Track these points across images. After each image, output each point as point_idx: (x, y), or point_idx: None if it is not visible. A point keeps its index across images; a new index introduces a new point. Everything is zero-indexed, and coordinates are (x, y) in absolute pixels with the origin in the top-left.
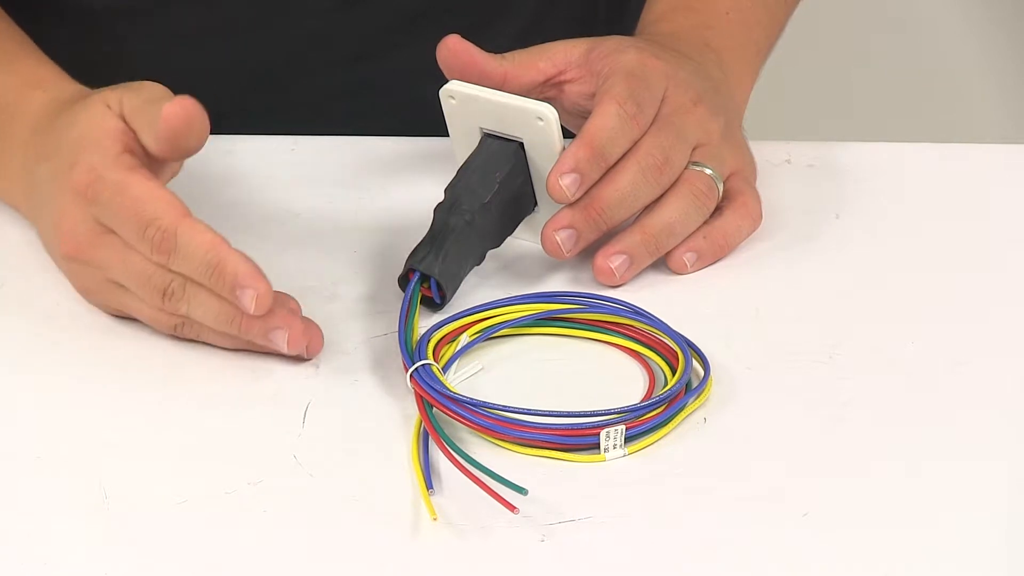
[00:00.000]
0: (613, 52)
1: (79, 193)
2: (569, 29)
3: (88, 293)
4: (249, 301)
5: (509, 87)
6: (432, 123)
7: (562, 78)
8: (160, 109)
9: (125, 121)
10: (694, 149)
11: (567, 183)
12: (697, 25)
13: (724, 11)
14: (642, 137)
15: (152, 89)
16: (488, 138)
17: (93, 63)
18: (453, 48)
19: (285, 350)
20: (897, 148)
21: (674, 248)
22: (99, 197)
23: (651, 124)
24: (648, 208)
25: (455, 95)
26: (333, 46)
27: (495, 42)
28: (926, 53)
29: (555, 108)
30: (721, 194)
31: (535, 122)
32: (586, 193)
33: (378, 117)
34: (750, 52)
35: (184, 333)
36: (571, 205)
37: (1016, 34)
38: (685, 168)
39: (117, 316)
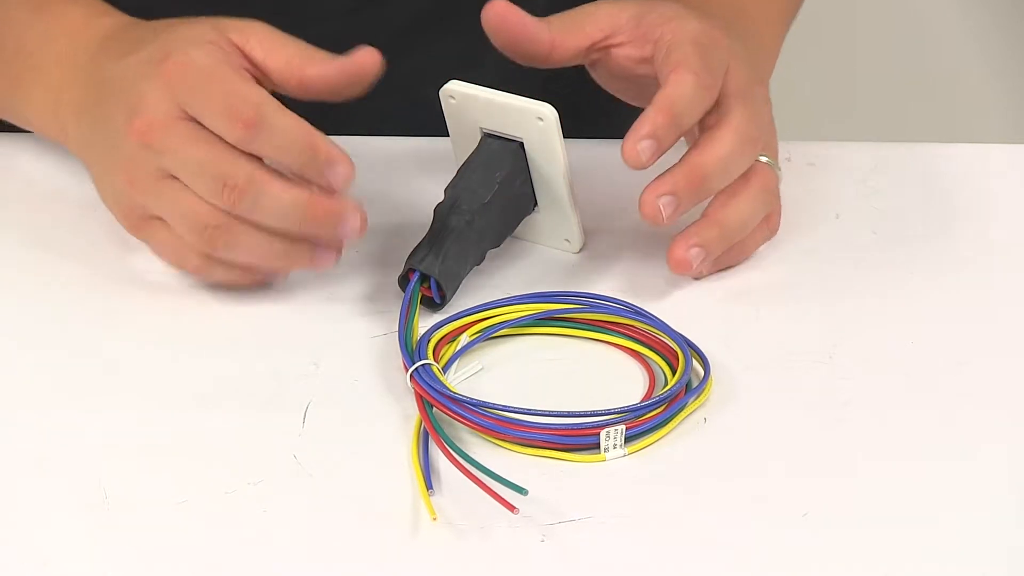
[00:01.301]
0: (673, 19)
1: (169, 77)
2: None
3: (134, 185)
4: (338, 177)
5: (557, 55)
6: (438, 123)
7: (610, 42)
8: (298, 43)
9: (245, 49)
10: None
11: (644, 147)
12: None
13: None
14: (729, 108)
15: (264, 24)
16: (488, 138)
17: None
18: (501, 13)
19: (348, 235)
20: (897, 148)
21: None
22: (187, 79)
23: (728, 97)
24: (722, 202)
25: (455, 95)
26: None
27: None
28: (926, 53)
29: (600, 72)
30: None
31: (535, 122)
32: (685, 160)
33: (391, 119)
34: (782, 24)
35: (213, 239)
36: (672, 171)
37: (1016, 34)
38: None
39: (130, 243)
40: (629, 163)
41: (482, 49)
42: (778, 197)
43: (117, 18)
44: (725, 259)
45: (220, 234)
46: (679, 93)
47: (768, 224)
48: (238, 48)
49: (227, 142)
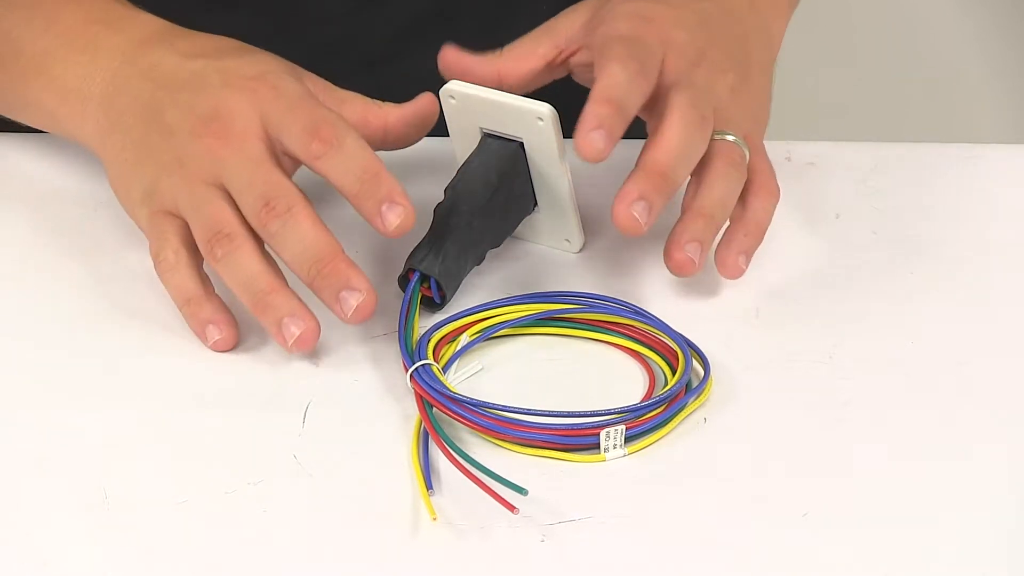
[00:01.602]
0: (607, 19)
1: (258, 97)
2: None
3: (187, 179)
4: (395, 218)
5: (509, 82)
6: (438, 124)
7: (565, 55)
8: (362, 101)
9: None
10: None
11: (595, 138)
12: None
13: None
14: (668, 98)
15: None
16: (488, 138)
17: None
18: (447, 60)
19: (344, 310)
20: (897, 148)
21: (723, 256)
22: (277, 103)
23: (666, 87)
24: (693, 192)
25: (455, 95)
26: (347, 52)
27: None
28: (926, 53)
29: (578, 80)
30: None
31: (535, 122)
32: (641, 164)
33: None
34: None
35: (215, 254)
36: (632, 177)
37: (1016, 34)
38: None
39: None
40: (585, 155)
41: (481, 51)
42: (747, 169)
43: (158, 22)
44: (745, 243)
45: (227, 243)
46: (610, 82)
47: (765, 190)
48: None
49: (282, 169)
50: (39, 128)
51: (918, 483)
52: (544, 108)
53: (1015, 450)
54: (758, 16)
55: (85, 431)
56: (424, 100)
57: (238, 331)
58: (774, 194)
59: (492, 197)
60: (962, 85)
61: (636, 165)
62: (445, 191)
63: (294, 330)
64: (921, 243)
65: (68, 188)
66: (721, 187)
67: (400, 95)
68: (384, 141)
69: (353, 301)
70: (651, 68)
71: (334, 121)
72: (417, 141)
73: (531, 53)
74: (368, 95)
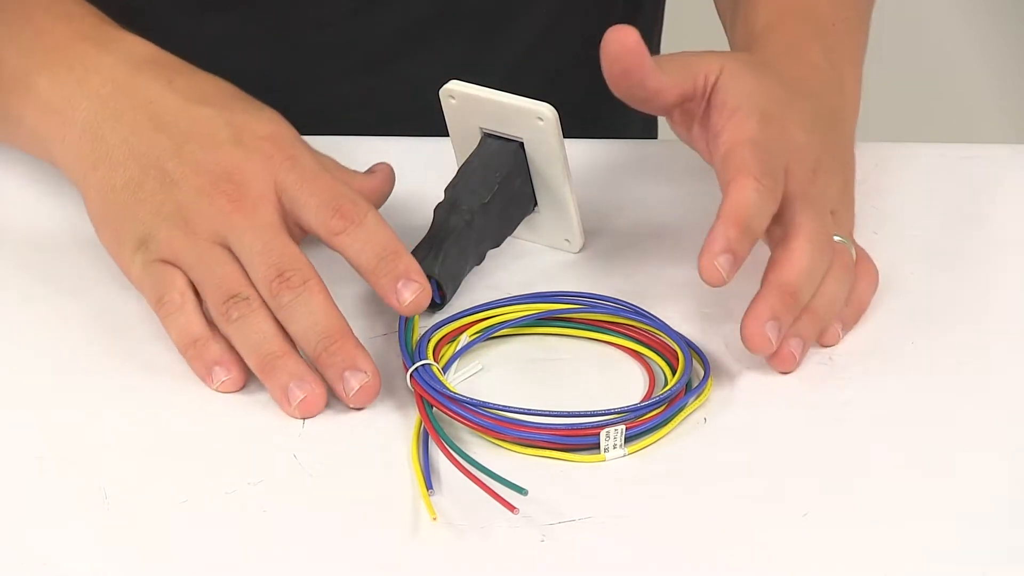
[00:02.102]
0: (735, 112)
1: (273, 162)
2: (583, 33)
3: (190, 233)
4: (410, 294)
5: (660, 102)
6: (438, 126)
7: (687, 102)
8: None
9: None
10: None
11: (722, 263)
12: (811, 35)
13: (830, 21)
14: (795, 215)
15: None
16: (488, 138)
17: None
18: (624, 42)
19: (347, 390)
20: (897, 148)
21: (824, 338)
22: (294, 171)
23: (792, 201)
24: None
25: (455, 95)
26: (346, 54)
27: (506, 46)
28: (926, 53)
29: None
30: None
31: (535, 122)
32: (772, 283)
33: (393, 124)
34: (859, 62)
35: (229, 314)
36: (763, 297)
37: (1016, 34)
38: None
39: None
40: (710, 281)
41: (481, 53)
42: (865, 259)
43: (147, 45)
44: (851, 323)
45: (244, 307)
46: (744, 202)
47: (873, 279)
48: None
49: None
50: (13, 143)
51: (918, 483)
52: (544, 108)
53: (1015, 450)
54: (845, 97)
55: (85, 431)
56: (386, 170)
57: (246, 372)
58: (876, 281)
59: (492, 197)
60: (962, 85)
61: (765, 282)
62: (445, 191)
63: (299, 394)
64: (921, 243)
65: (68, 187)
66: (834, 289)
67: (398, 98)
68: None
69: (356, 383)
70: (780, 183)
71: (354, 198)
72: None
73: (676, 85)
74: (367, 98)
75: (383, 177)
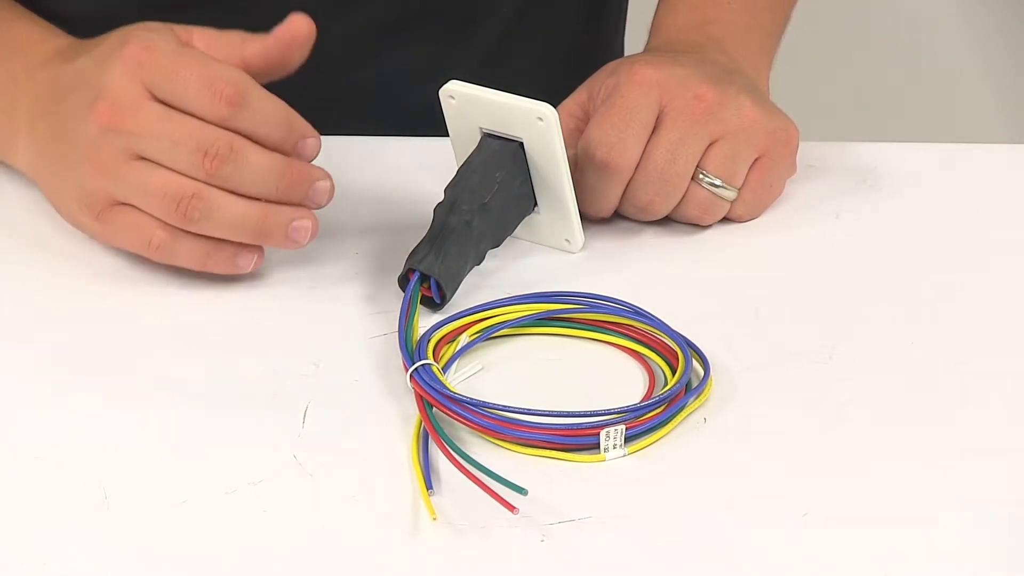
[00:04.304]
0: (604, 89)
1: (131, 60)
2: (552, 28)
3: (100, 173)
4: (309, 148)
5: None
6: (420, 125)
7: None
8: (235, 32)
9: (191, 43)
10: (709, 145)
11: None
12: (696, 22)
13: (726, 2)
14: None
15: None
16: (488, 138)
17: None
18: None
19: (318, 200)
20: (897, 148)
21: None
22: (155, 62)
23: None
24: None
25: (455, 95)
26: (319, 53)
27: (478, 41)
28: (926, 53)
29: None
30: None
31: (535, 122)
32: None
33: (367, 122)
34: (758, 36)
35: (189, 210)
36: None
37: (1016, 34)
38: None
39: (107, 246)
40: None
41: (453, 54)
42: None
43: (69, 37)
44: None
45: (197, 203)
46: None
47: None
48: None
49: (199, 118)
50: None
51: (918, 483)
52: (544, 108)
53: (1015, 450)
54: (732, 59)
55: (85, 431)
56: (288, 24)
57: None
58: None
59: (492, 197)
60: (962, 85)
61: None
62: (445, 191)
63: (304, 224)
64: (921, 243)
65: None
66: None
67: (368, 96)
68: (251, 74)
69: (326, 186)
70: (642, 119)
71: (226, 75)
72: (294, 65)
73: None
74: (335, 99)
75: (273, 41)
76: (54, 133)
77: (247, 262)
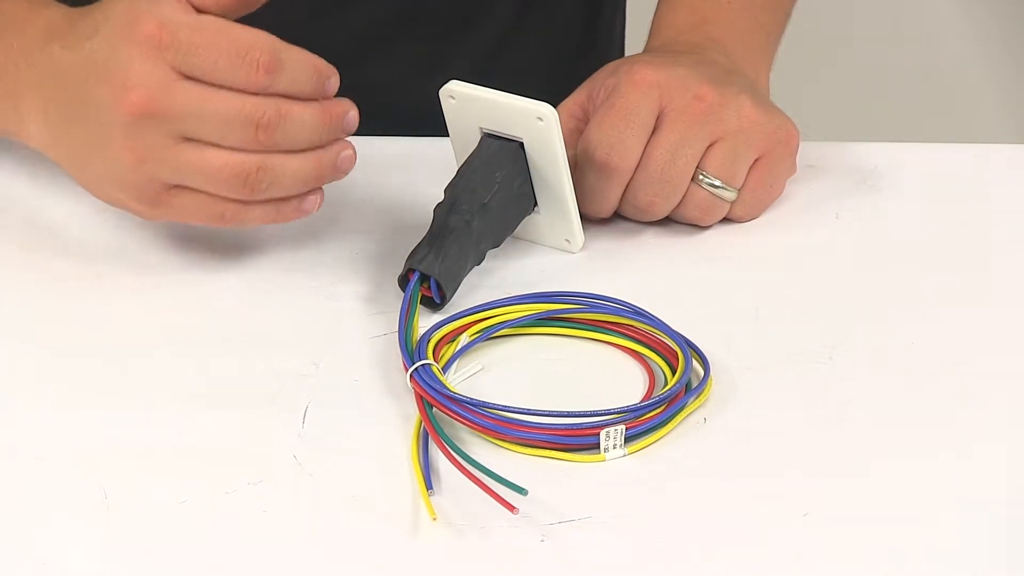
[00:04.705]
0: (603, 89)
1: (150, 41)
2: (552, 28)
3: (144, 164)
4: (334, 85)
5: None
6: (420, 125)
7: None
8: None
9: None
10: (709, 146)
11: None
12: (696, 22)
13: (726, 2)
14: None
15: None
16: (488, 138)
17: None
18: None
19: (352, 125)
20: (897, 148)
21: None
22: (176, 39)
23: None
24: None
25: (455, 95)
26: (319, 53)
27: (478, 41)
28: (926, 53)
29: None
30: (732, 197)
31: (535, 122)
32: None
33: (367, 122)
34: (758, 36)
35: (257, 182)
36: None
37: (1016, 34)
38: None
39: (158, 210)
40: None
41: (445, 54)
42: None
43: (56, 8)
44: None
45: (263, 175)
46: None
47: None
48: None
49: (238, 90)
50: None
51: (918, 483)
52: (544, 108)
53: (1015, 450)
54: (740, 69)
55: (85, 431)
56: None
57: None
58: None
59: (492, 197)
60: (962, 85)
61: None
62: (445, 191)
63: (348, 152)
64: (921, 243)
65: (68, 187)
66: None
67: (363, 100)
68: (225, 11)
69: (354, 115)
70: (643, 120)
71: (255, 42)
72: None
73: None
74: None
75: None
76: (71, 122)
77: (312, 205)
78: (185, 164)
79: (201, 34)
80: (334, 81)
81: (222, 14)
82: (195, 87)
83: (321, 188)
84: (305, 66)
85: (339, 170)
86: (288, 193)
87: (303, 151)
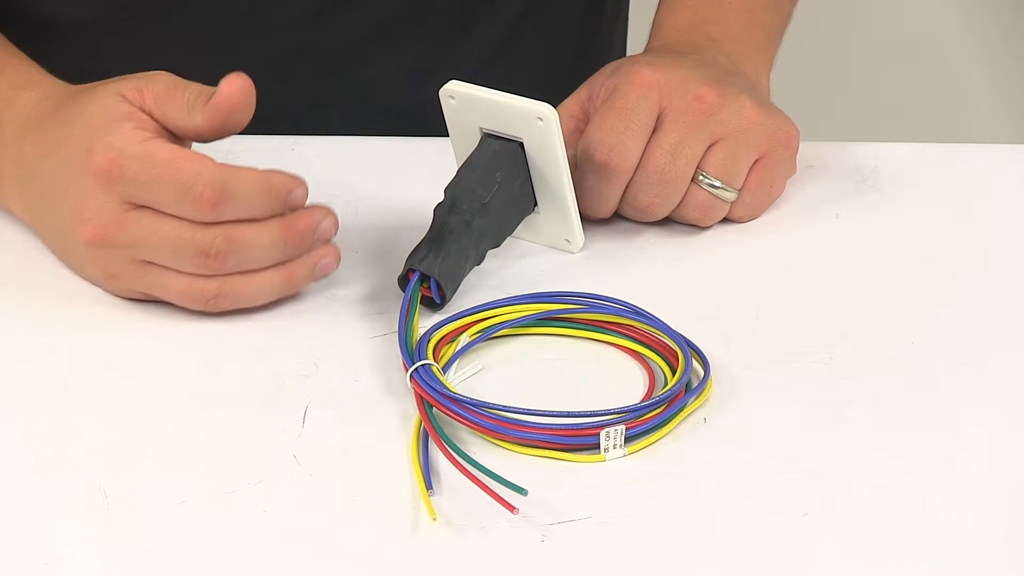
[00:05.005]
0: (604, 90)
1: (101, 174)
2: (552, 28)
3: (113, 279)
4: (298, 199)
5: None
6: (420, 125)
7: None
8: (188, 91)
9: (144, 109)
10: (709, 147)
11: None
12: (697, 23)
13: (726, 2)
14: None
15: (166, 75)
16: (488, 138)
17: (69, 77)
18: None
19: (328, 234)
20: (897, 148)
21: None
22: (125, 173)
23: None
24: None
25: (455, 95)
26: (312, 56)
27: (478, 41)
28: (926, 53)
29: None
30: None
31: (535, 122)
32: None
33: (367, 122)
34: (758, 37)
35: (217, 304)
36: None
37: (1016, 34)
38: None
39: (137, 299)
40: None
41: (446, 55)
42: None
43: (36, 90)
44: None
45: (222, 300)
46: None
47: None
48: (139, 107)
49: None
50: None
51: (918, 483)
52: (544, 108)
53: (1015, 450)
54: (740, 69)
55: (85, 431)
56: (221, 92)
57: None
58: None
59: (492, 197)
60: (962, 85)
61: None
62: (445, 191)
63: (327, 260)
64: (921, 243)
65: None
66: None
67: (368, 99)
68: (203, 140)
69: (329, 222)
70: (642, 119)
71: (200, 174)
72: (243, 123)
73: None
74: (335, 99)
75: (215, 113)
76: (44, 223)
77: (326, 265)
78: (150, 285)
79: (150, 168)
80: (299, 193)
81: (199, 139)
82: (147, 217)
83: (333, 248)
84: (258, 189)
85: (317, 277)
86: (257, 304)
87: (269, 267)
